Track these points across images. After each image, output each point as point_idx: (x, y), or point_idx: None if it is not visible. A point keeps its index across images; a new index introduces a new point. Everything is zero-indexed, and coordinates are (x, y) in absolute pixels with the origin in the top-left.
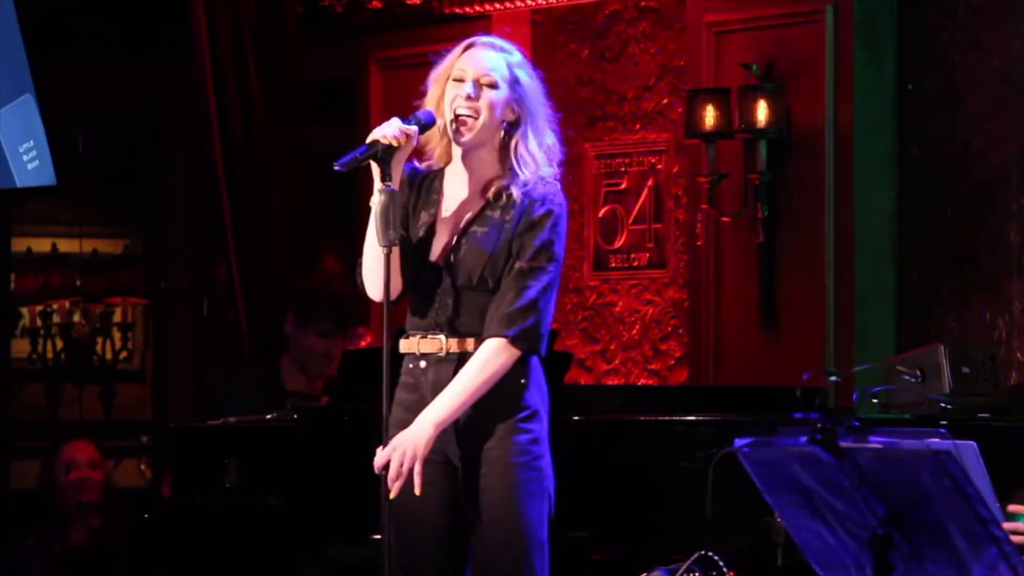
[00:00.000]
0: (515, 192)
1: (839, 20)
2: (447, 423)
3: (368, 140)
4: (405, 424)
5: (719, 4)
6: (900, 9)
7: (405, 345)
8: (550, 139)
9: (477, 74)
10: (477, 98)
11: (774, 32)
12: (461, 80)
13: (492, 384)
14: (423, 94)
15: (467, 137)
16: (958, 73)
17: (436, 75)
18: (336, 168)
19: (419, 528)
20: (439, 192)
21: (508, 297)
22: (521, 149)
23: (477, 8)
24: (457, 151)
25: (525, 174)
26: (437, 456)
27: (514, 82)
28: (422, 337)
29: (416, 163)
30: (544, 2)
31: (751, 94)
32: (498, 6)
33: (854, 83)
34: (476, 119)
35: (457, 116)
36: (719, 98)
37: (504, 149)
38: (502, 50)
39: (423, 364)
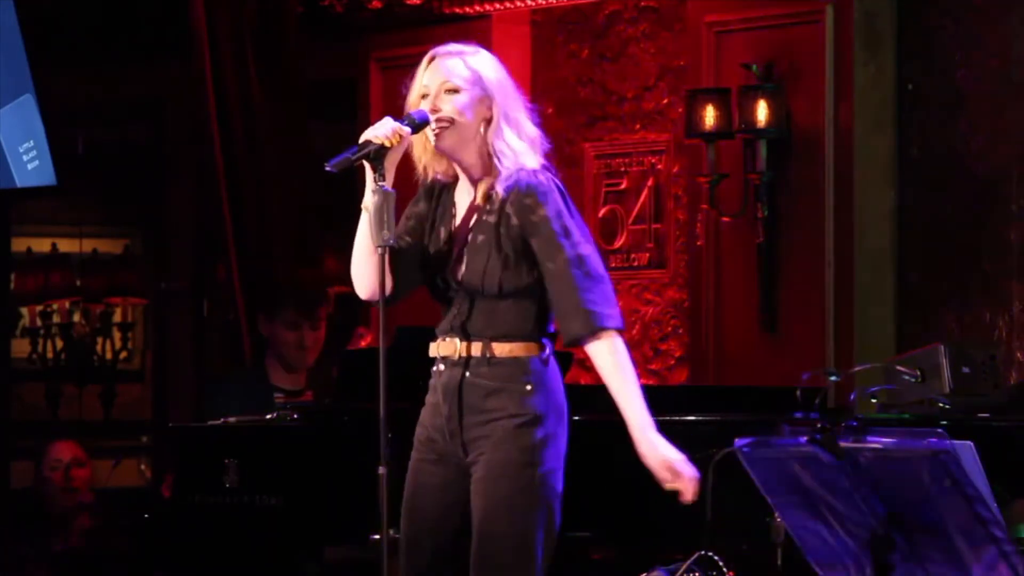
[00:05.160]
0: (498, 189)
1: (839, 20)
2: (650, 425)
3: (360, 140)
4: (428, 424)
5: (719, 4)
6: (900, 9)
7: (431, 349)
8: (530, 130)
9: (438, 84)
10: (442, 106)
11: (774, 32)
12: (426, 95)
13: (635, 371)
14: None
15: (445, 143)
16: (958, 73)
17: (410, 100)
18: (327, 169)
19: (428, 526)
20: (452, 203)
21: (562, 301)
22: (496, 143)
23: (477, 8)
24: (457, 165)
25: (505, 168)
26: (453, 459)
27: (477, 80)
28: (441, 340)
29: (436, 175)
30: (544, 2)
31: (751, 94)
32: (498, 6)
33: (854, 83)
34: (450, 126)
35: (436, 128)
36: (719, 98)
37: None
38: (461, 53)
39: (441, 367)
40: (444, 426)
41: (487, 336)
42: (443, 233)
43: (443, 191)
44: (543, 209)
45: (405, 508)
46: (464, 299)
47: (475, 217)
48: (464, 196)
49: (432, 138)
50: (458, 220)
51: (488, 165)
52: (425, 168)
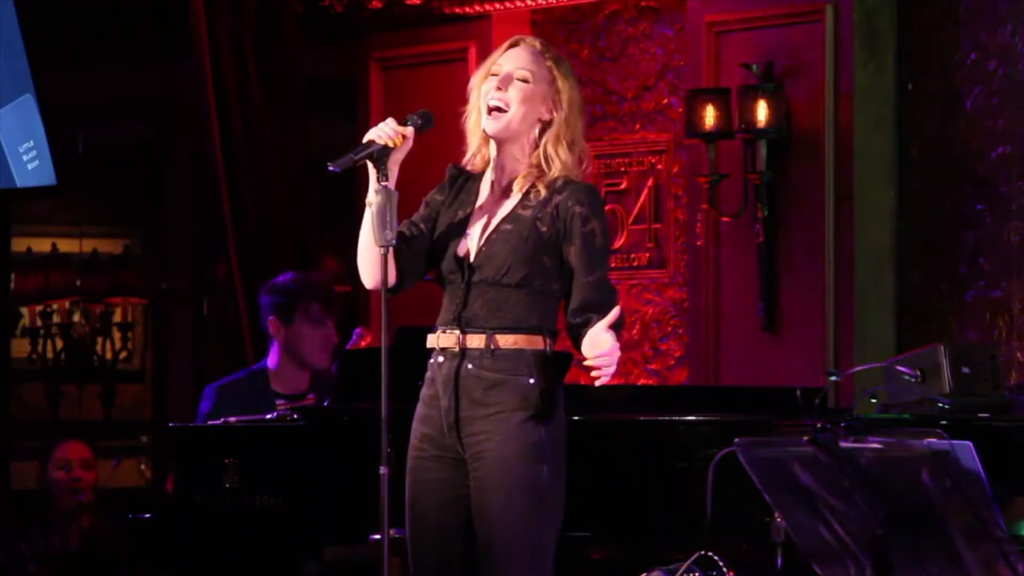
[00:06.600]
0: (541, 189)
1: (839, 20)
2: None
3: (364, 140)
4: (425, 419)
5: (719, 4)
6: (900, 9)
7: (429, 341)
8: (581, 146)
9: (511, 68)
10: (507, 89)
11: (774, 32)
12: (496, 75)
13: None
14: (423, 94)
15: (496, 127)
16: (958, 73)
17: (475, 79)
18: (330, 168)
19: (432, 524)
20: (475, 192)
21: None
22: (549, 148)
23: (477, 8)
24: (494, 152)
25: (551, 172)
26: (451, 453)
27: (550, 81)
28: (442, 332)
29: (466, 163)
30: (544, 2)
31: (751, 94)
32: (498, 6)
33: (854, 83)
34: (506, 111)
35: (488, 107)
36: (719, 98)
37: (537, 149)
38: (545, 50)
39: (440, 359)
40: (442, 419)
41: (491, 327)
42: (459, 216)
43: (466, 181)
44: (594, 223)
45: (408, 507)
46: (471, 290)
47: (505, 207)
48: (491, 186)
49: (484, 120)
50: (480, 209)
51: (530, 162)
52: (469, 142)
